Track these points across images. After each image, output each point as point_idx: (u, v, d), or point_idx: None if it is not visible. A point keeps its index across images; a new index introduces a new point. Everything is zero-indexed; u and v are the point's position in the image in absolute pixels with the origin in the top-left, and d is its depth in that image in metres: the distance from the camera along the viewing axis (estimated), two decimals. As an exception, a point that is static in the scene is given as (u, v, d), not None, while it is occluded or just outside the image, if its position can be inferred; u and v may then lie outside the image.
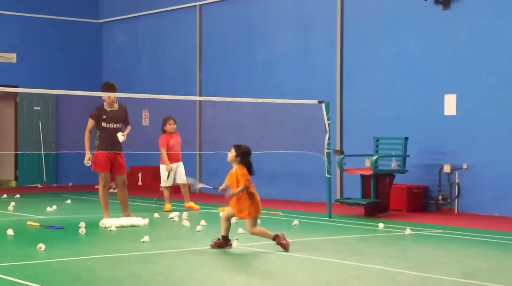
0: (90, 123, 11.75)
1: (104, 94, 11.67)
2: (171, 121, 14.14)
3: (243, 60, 18.01)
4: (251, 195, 9.01)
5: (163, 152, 13.97)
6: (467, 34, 13.94)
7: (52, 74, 21.06)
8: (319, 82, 16.19)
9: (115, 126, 11.78)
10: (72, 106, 21.07)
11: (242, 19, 18.10)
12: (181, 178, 14.09)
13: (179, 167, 14.14)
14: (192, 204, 14.03)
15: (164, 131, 14.10)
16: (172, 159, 14.04)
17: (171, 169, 13.97)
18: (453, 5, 14.03)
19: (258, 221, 9.22)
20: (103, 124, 11.70)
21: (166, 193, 14.00)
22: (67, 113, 21.37)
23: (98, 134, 11.80)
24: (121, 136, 11.65)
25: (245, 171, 9.00)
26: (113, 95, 11.72)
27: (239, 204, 9.02)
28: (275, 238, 9.00)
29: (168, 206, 13.82)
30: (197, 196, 16.86)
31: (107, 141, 11.71)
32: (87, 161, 11.68)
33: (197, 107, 18.86)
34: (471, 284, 7.05)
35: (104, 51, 22.16)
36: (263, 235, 9.12)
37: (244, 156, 9.05)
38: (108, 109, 11.75)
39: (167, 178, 13.94)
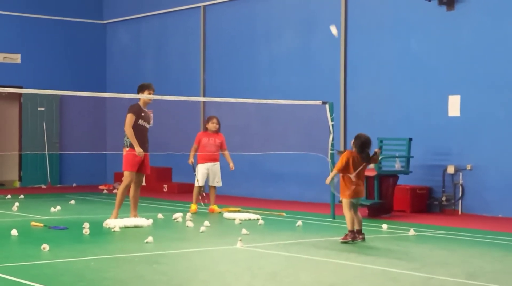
0: (131, 118, 11.72)
1: (102, 94, 11.68)
2: (214, 120, 13.93)
3: (247, 60, 18.01)
4: (346, 180, 9.83)
5: (192, 148, 13.91)
6: (471, 35, 13.93)
7: (56, 75, 21.09)
8: (323, 82, 16.19)
9: (147, 125, 11.97)
10: (76, 107, 21.13)
11: (246, 20, 18.11)
12: (213, 180, 13.92)
13: (213, 168, 13.87)
14: (214, 207, 13.82)
15: (205, 129, 13.99)
16: (203, 158, 13.84)
17: (191, 163, 13.89)
18: (457, 6, 14.02)
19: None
20: (140, 121, 11.81)
21: (195, 194, 13.83)
22: (71, 114, 21.41)
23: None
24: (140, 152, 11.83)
25: (343, 158, 9.86)
26: (122, 95, 11.80)
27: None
28: (350, 232, 9.76)
29: (193, 207, 13.68)
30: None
31: (139, 139, 11.74)
32: (140, 153, 11.63)
33: (201, 107, 18.87)
34: (475, 285, 7.04)
35: (108, 52, 22.18)
36: (347, 221, 9.83)
37: (360, 147, 9.94)
38: (143, 109, 11.92)
39: (195, 175, 13.88)
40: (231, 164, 13.96)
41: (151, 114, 12.38)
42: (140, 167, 11.87)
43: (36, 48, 20.99)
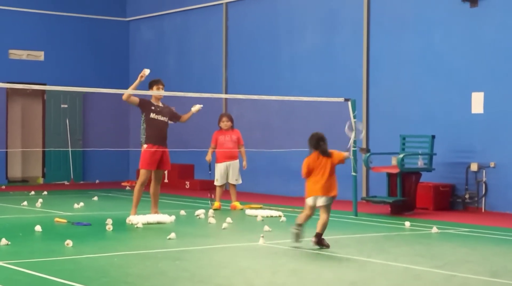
0: (135, 98, 11.71)
1: (130, 91, 11.71)
2: (224, 119, 14.11)
3: (269, 57, 18.02)
4: None
5: (210, 148, 14.06)
6: (494, 32, 13.84)
7: (80, 72, 21.22)
8: (345, 79, 16.16)
9: (162, 118, 11.89)
10: (99, 104, 21.24)
11: (268, 17, 18.11)
12: (232, 178, 13.97)
13: (231, 166, 13.96)
14: (236, 203, 13.87)
15: (219, 128, 14.13)
16: (222, 157, 13.95)
17: (208, 161, 13.99)
18: (481, 2, 13.93)
19: None
20: (152, 115, 11.79)
21: (218, 192, 13.93)
22: (94, 111, 21.53)
23: (145, 128, 11.83)
24: (197, 107, 12.07)
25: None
26: (145, 93, 11.83)
27: (330, 181, 9.09)
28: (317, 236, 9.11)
29: (216, 204, 13.73)
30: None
31: (155, 134, 11.78)
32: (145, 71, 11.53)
33: (223, 104, 18.90)
34: (498, 283, 7.01)
35: (131, 49, 22.27)
36: (324, 225, 9.19)
37: (315, 144, 9.25)
38: (155, 103, 11.90)
39: (216, 175, 13.96)
40: (244, 163, 14.12)
41: (173, 109, 12.36)
42: (159, 164, 11.89)
43: (60, 45, 21.12)
